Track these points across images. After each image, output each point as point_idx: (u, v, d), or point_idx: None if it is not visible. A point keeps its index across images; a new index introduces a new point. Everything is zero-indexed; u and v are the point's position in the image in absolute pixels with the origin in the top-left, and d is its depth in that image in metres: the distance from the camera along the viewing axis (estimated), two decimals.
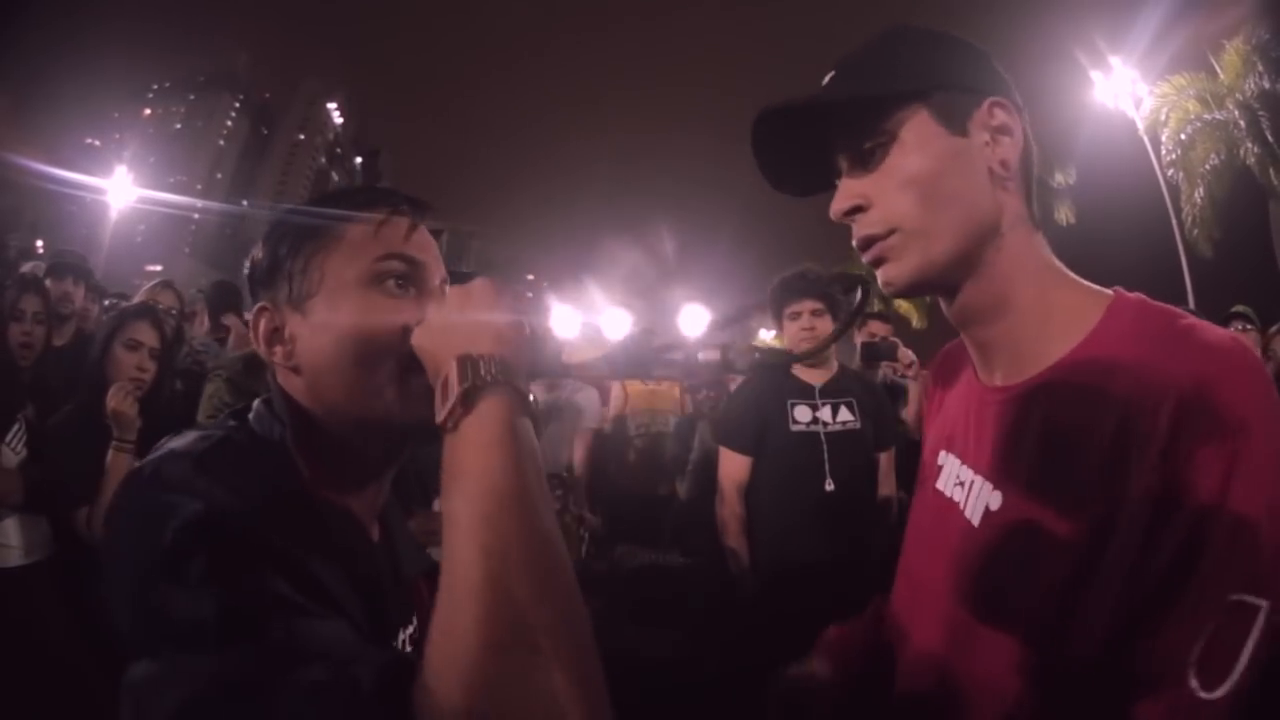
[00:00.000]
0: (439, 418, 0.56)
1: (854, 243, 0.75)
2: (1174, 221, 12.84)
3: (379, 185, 0.76)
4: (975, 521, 0.74)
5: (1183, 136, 12.64)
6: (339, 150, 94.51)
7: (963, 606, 0.73)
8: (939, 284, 0.74)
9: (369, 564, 0.70)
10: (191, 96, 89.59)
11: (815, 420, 2.37)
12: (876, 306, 5.16)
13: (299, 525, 0.60)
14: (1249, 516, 0.57)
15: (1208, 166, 12.38)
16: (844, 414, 2.39)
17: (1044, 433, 0.68)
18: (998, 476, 0.73)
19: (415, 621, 0.77)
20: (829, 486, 2.31)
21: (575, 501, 3.75)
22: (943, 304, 0.77)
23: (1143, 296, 0.71)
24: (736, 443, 2.45)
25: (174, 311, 3.18)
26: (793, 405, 2.39)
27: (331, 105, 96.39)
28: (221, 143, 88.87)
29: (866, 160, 0.73)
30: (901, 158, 0.71)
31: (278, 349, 0.70)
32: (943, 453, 0.84)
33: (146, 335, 2.12)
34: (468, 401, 0.55)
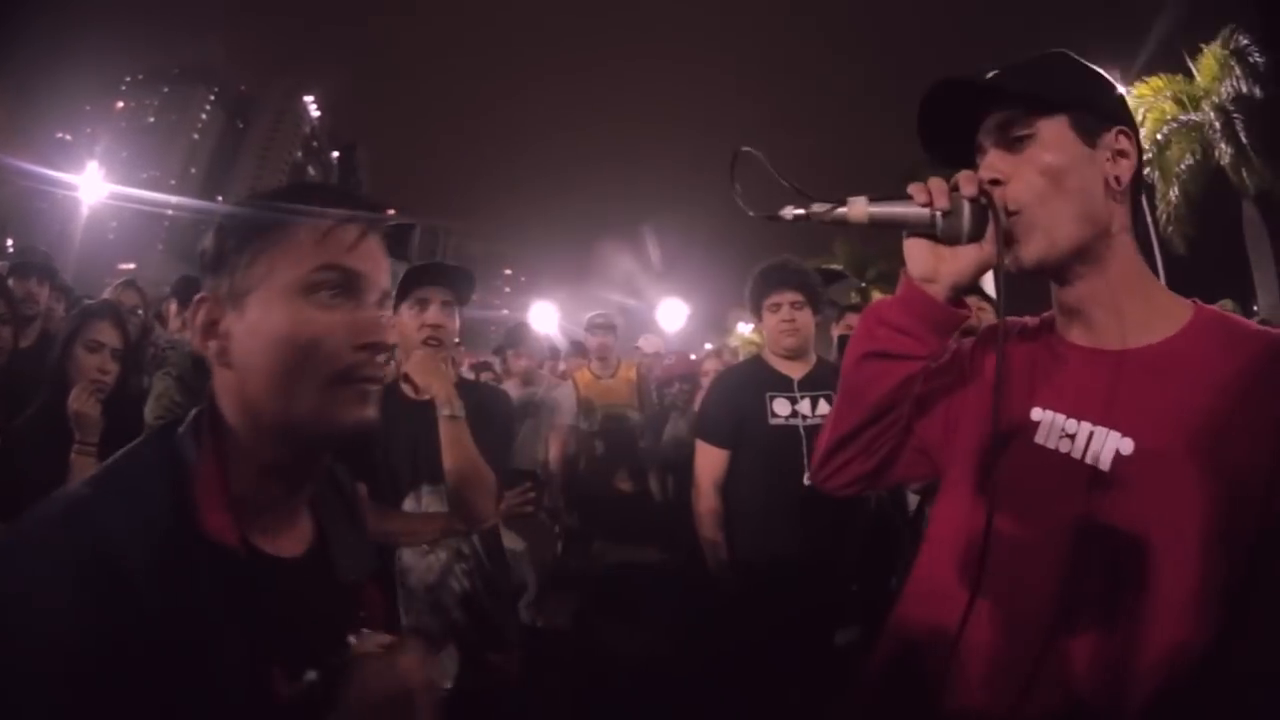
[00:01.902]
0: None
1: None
2: (1149, 219, 13.04)
3: (349, 184, 0.76)
4: (1105, 466, 0.84)
5: (1159, 137, 12.87)
6: (315, 144, 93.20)
7: (1097, 543, 0.82)
8: (1060, 267, 0.89)
9: (286, 585, 0.69)
10: (165, 89, 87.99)
11: (794, 414, 2.34)
12: (854, 300, 5.19)
13: (179, 573, 0.60)
14: None
15: (1183, 166, 12.63)
16: (823, 407, 2.34)
17: (1170, 388, 0.83)
18: (1127, 424, 0.84)
19: (363, 628, 0.74)
20: (808, 480, 2.23)
21: (551, 499, 3.71)
22: (1056, 286, 0.93)
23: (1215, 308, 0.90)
24: (714, 436, 2.42)
25: (139, 311, 3.11)
26: (771, 398, 2.36)
27: (308, 98, 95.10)
28: (196, 137, 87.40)
29: (1012, 145, 0.89)
30: (1040, 151, 0.87)
31: (212, 343, 0.70)
32: (1037, 409, 0.92)
33: (109, 335, 2.05)
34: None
